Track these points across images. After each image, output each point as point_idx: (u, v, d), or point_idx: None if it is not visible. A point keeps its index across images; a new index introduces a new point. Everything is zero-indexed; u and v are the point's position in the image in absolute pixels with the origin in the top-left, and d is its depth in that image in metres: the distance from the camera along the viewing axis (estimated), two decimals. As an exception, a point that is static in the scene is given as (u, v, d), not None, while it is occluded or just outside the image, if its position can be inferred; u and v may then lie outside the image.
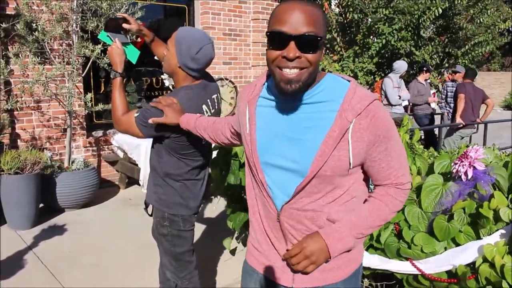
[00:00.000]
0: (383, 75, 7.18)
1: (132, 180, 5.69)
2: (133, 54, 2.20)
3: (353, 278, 1.38)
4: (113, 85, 2.04)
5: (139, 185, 5.22)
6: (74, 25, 4.96)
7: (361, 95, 1.20)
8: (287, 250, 1.32)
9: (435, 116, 7.97)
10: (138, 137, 2.00)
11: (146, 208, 2.31)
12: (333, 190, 1.26)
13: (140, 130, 1.95)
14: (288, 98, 1.24)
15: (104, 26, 2.14)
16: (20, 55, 4.75)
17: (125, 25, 2.14)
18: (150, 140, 2.13)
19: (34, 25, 4.77)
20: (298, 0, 1.15)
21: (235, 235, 3.61)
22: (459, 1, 6.96)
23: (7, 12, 4.89)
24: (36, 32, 4.70)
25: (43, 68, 4.79)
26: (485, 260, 1.83)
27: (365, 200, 1.37)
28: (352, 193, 1.30)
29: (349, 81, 1.26)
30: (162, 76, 5.04)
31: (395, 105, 6.51)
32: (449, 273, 1.97)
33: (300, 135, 1.23)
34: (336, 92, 1.23)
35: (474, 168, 2.04)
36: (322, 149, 1.19)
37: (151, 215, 2.28)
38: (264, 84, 1.34)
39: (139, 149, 5.01)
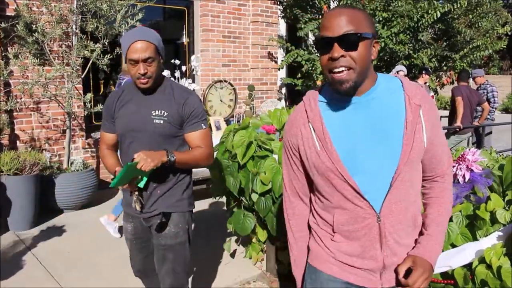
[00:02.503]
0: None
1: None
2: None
3: None
4: (177, 164, 2.02)
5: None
6: (74, 26, 4.98)
7: (414, 85, 1.39)
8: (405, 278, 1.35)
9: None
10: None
11: (163, 223, 2.14)
12: (417, 176, 1.39)
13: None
14: (354, 101, 1.33)
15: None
16: (19, 56, 4.76)
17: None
18: None
19: (34, 26, 4.78)
20: (340, 7, 1.29)
21: (235, 237, 3.61)
22: (458, 5, 6.98)
23: (7, 13, 4.91)
24: (36, 33, 4.72)
25: (43, 69, 4.81)
26: (481, 261, 1.85)
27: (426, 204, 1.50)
28: (421, 176, 1.44)
29: (395, 76, 1.43)
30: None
31: None
32: (444, 274, 1.99)
33: (379, 128, 1.32)
34: (393, 85, 1.37)
35: (472, 170, 2.06)
36: (407, 134, 1.30)
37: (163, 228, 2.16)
38: (318, 99, 1.40)
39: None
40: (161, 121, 2.03)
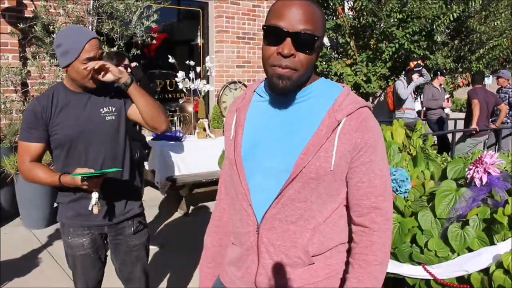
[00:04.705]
0: (396, 79, 7.15)
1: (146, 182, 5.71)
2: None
3: None
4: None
5: (155, 187, 5.19)
6: (90, 27, 5.03)
7: (354, 99, 1.19)
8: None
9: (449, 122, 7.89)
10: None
11: (143, 222, 2.24)
12: (320, 204, 1.18)
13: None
14: (281, 98, 1.20)
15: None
16: (37, 57, 4.83)
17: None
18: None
19: (51, 27, 4.85)
20: None
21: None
22: (473, 5, 6.90)
23: (25, 15, 4.99)
24: (53, 34, 4.78)
25: (60, 69, 4.87)
26: (498, 266, 1.82)
27: (350, 255, 1.25)
28: (340, 212, 1.23)
29: (343, 86, 1.24)
30: (176, 78, 5.08)
31: (405, 99, 6.46)
32: (460, 278, 1.96)
33: (290, 134, 1.18)
34: (329, 94, 1.20)
35: (489, 173, 2.03)
36: (308, 147, 1.14)
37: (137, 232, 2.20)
38: (255, 90, 1.30)
39: (155, 152, 4.90)
40: (113, 117, 2.03)
